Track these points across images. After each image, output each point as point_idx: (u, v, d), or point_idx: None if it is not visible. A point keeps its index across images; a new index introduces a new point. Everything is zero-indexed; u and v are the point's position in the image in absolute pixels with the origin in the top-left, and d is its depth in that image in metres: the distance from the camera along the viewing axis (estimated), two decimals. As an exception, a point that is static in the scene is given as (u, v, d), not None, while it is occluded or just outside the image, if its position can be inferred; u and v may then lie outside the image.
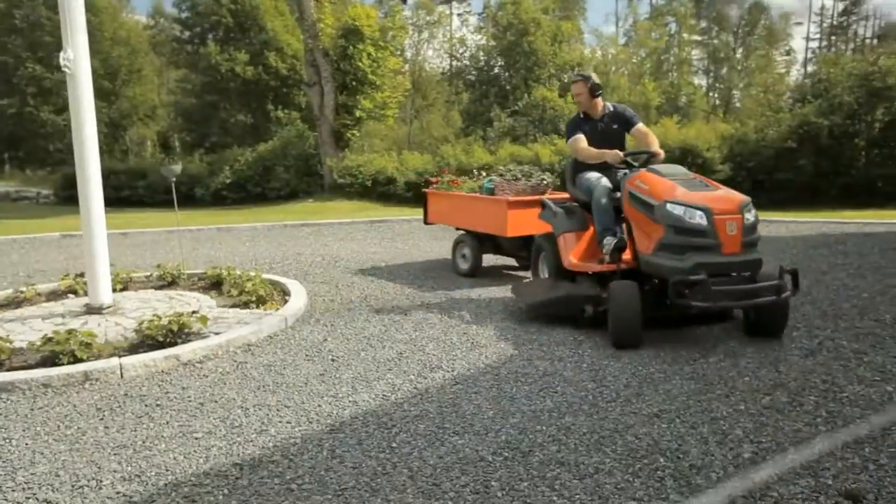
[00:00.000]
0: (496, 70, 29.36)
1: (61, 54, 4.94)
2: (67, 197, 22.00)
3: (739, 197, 4.15)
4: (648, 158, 4.84)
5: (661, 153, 4.90)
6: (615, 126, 5.17)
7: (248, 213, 15.84)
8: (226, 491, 2.60)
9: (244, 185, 19.59)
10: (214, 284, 6.29)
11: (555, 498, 2.48)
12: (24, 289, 5.96)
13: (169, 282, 6.46)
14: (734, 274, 4.08)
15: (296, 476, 2.71)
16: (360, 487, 2.60)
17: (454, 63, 37.28)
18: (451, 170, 16.57)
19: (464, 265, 6.97)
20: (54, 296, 6.09)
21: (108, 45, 32.62)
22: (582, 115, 5.29)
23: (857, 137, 15.01)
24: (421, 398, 3.52)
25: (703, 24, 42.37)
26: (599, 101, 5.21)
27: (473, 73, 30.22)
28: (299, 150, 20.11)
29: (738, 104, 39.03)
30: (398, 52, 24.09)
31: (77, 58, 5.00)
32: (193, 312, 4.66)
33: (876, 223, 10.48)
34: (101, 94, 32.38)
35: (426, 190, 7.63)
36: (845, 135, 14.94)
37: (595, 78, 5.23)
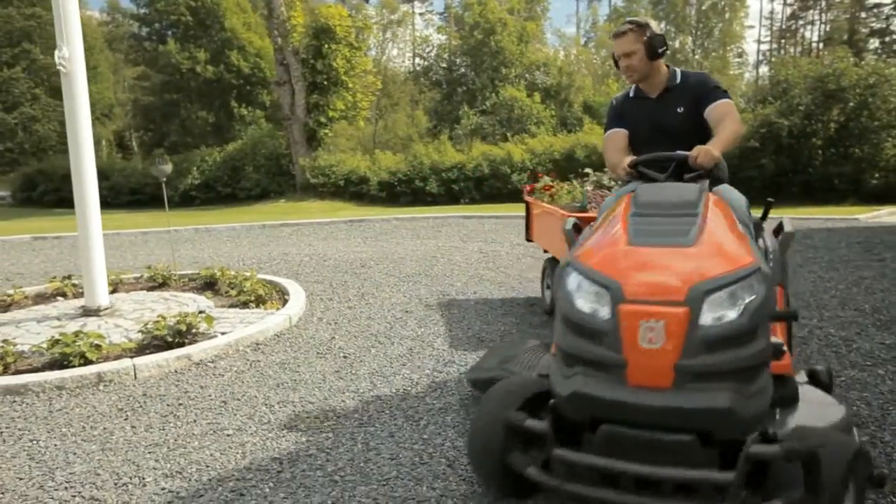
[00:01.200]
0: (462, 70, 29.57)
1: (56, 53, 4.87)
2: (26, 198, 21.33)
3: (719, 266, 2.01)
4: (673, 168, 2.74)
5: (706, 155, 2.66)
6: (680, 108, 3.02)
7: (221, 213, 15.63)
8: (271, 484, 2.65)
9: (213, 185, 19.35)
10: (208, 285, 6.25)
11: (592, 480, 2.60)
12: (10, 291, 5.83)
13: (160, 283, 6.38)
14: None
15: (336, 468, 2.77)
16: (403, 477, 2.68)
17: (419, 62, 37.36)
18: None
19: (548, 296, 5.34)
20: (42, 298, 5.96)
21: (62, 42, 31.65)
22: (631, 94, 3.22)
23: (815, 137, 15.68)
24: (441, 392, 3.61)
25: (663, 25, 43.40)
26: (662, 65, 3.10)
27: (440, 72, 30.36)
28: (270, 150, 19.96)
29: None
30: (365, 53, 24.08)
31: (72, 56, 4.93)
32: (200, 312, 4.65)
33: (837, 219, 11.00)
34: (55, 92, 31.42)
35: (527, 198, 5.96)
36: (803, 134, 15.61)
37: (655, 27, 3.05)
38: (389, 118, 36.71)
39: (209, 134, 30.54)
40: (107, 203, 19.41)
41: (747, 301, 1.95)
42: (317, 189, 18.22)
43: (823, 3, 46.19)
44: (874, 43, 42.82)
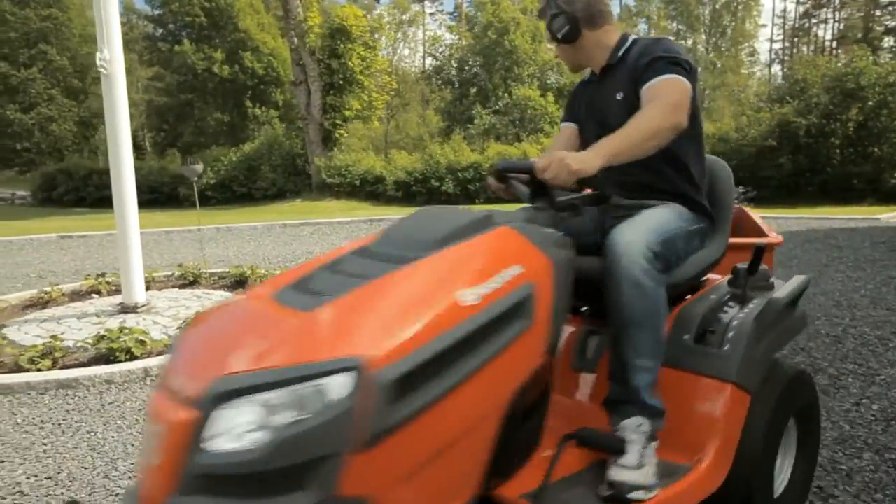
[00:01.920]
0: (475, 69, 29.61)
1: (97, 55, 4.98)
2: (46, 198, 21.58)
3: (273, 356, 1.15)
4: (532, 184, 1.72)
5: (558, 167, 1.55)
6: (619, 94, 2.01)
7: (239, 212, 15.77)
8: (328, 476, 2.71)
9: (229, 185, 19.52)
10: (238, 283, 6.35)
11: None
12: (48, 289, 5.94)
13: (191, 281, 6.48)
14: None
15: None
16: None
17: (431, 62, 37.46)
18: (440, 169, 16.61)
19: None
20: (78, 296, 6.08)
21: (77, 42, 32.04)
22: (586, 77, 2.27)
23: (833, 136, 15.62)
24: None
25: (675, 24, 43.30)
26: (610, 36, 2.09)
27: (452, 72, 30.44)
28: (286, 150, 20.11)
29: (710, 103, 39.95)
30: (379, 52, 24.20)
31: (112, 58, 5.03)
32: (239, 309, 4.73)
33: (858, 218, 10.97)
34: (70, 92, 31.79)
35: None
36: (822, 134, 15.55)
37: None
38: (401, 118, 36.87)
39: (223, 134, 30.81)
40: (125, 202, 19.72)
41: (289, 420, 1.08)
42: (333, 188, 18.34)
43: (837, 2, 45.88)
44: (889, 41, 42.51)
